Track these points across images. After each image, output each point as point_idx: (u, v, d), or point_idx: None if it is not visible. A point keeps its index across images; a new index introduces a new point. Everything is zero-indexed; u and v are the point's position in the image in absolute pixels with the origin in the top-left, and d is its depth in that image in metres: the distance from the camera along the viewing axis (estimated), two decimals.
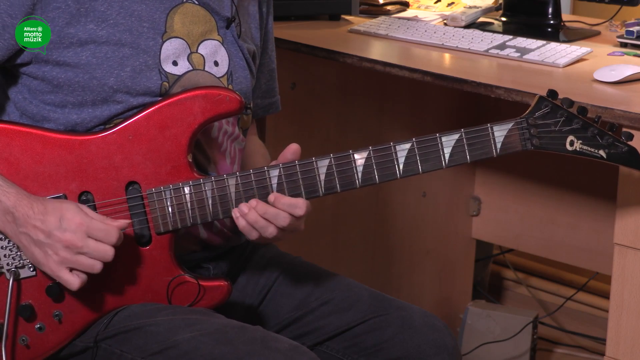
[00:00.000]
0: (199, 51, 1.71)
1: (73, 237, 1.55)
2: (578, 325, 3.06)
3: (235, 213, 1.62)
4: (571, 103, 1.70)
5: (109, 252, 1.56)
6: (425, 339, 1.70)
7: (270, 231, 1.61)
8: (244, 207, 1.62)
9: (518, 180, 2.94)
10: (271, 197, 1.62)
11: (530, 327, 2.84)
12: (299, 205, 1.61)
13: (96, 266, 1.56)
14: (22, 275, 1.63)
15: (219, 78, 1.72)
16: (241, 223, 1.62)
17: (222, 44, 1.74)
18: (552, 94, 1.70)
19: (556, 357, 3.03)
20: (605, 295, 2.94)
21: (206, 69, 1.71)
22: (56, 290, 1.62)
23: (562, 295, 3.10)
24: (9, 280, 1.61)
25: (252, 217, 1.62)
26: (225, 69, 1.73)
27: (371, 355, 1.72)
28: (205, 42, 1.72)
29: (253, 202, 1.62)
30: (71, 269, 1.57)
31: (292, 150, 1.65)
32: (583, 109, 1.70)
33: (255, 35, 1.85)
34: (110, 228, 1.56)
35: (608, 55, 2.29)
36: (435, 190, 2.97)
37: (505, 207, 2.99)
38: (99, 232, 1.56)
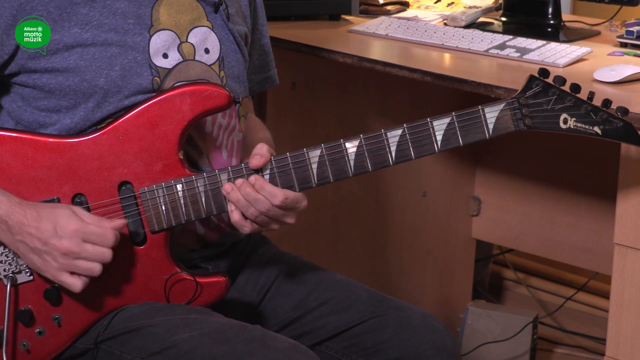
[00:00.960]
0: (188, 40, 1.70)
1: (70, 244, 1.55)
2: (578, 325, 3.06)
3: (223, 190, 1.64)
4: (563, 81, 1.67)
5: (106, 253, 1.57)
6: (424, 339, 1.70)
7: (252, 212, 1.62)
8: (227, 186, 1.63)
9: (518, 180, 2.94)
10: (252, 179, 1.62)
11: (530, 327, 2.84)
12: (276, 194, 1.61)
13: (95, 268, 1.57)
14: (19, 281, 1.63)
15: (210, 66, 1.72)
16: (230, 209, 1.63)
17: (212, 29, 1.73)
18: (544, 72, 1.68)
19: (556, 357, 3.03)
20: (605, 295, 2.93)
21: (196, 58, 1.70)
22: (54, 293, 1.63)
23: (562, 295, 3.10)
24: (6, 286, 1.61)
25: (234, 196, 1.62)
26: (217, 56, 1.73)
27: (370, 355, 1.72)
28: (195, 29, 1.71)
29: (239, 181, 1.63)
30: (72, 272, 1.57)
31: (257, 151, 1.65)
32: (576, 86, 1.67)
33: (246, 12, 1.84)
34: (106, 231, 1.57)
35: (608, 55, 2.29)
36: (435, 190, 2.97)
37: (505, 207, 2.99)
38: (95, 237, 1.56)
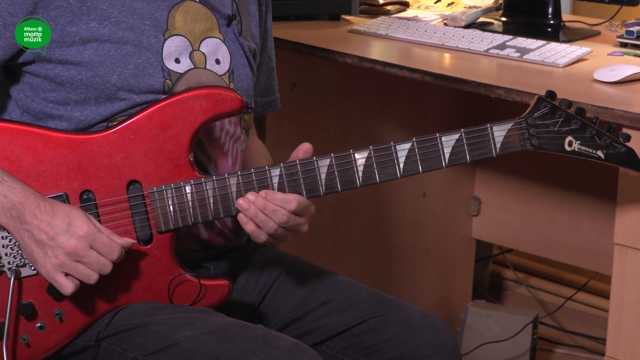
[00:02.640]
0: (200, 49, 1.71)
1: (77, 245, 1.55)
2: (578, 325, 3.06)
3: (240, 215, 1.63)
4: (569, 104, 1.71)
5: (107, 266, 1.57)
6: (424, 338, 1.70)
7: (271, 226, 1.62)
8: (244, 203, 1.62)
9: (518, 180, 2.94)
10: (262, 193, 1.62)
11: (530, 327, 2.84)
12: (290, 200, 1.61)
13: (92, 277, 1.57)
14: (23, 274, 1.63)
15: (220, 76, 1.73)
16: (243, 221, 1.63)
17: (224, 41, 1.74)
18: (551, 94, 1.71)
19: (556, 357, 3.03)
20: (605, 295, 2.94)
21: (207, 67, 1.71)
22: (57, 289, 1.62)
23: (562, 295, 3.10)
24: (9, 279, 1.61)
25: (252, 212, 1.62)
26: (227, 67, 1.74)
27: (371, 355, 1.72)
28: (207, 39, 1.72)
29: (251, 196, 1.62)
30: (66, 274, 1.57)
31: (304, 149, 1.66)
32: (581, 110, 1.71)
33: (255, 33, 1.85)
34: (114, 244, 1.57)
35: (608, 55, 2.29)
36: (435, 190, 2.97)
37: (505, 207, 2.99)
38: (103, 246, 1.56)
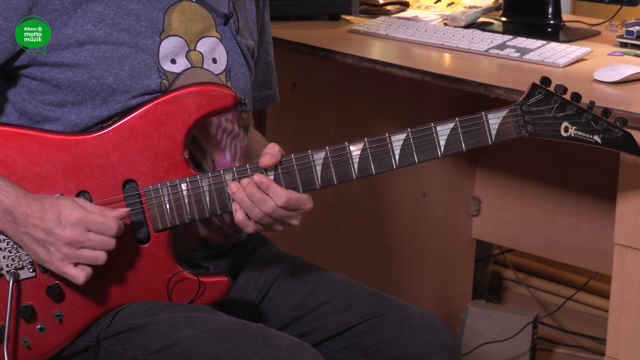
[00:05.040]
0: (197, 49, 1.71)
1: (73, 233, 1.55)
2: (578, 325, 3.06)
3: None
4: (565, 90, 1.69)
5: (110, 242, 1.57)
6: (424, 339, 1.70)
7: (256, 213, 1.62)
8: (233, 185, 1.63)
9: (518, 180, 2.94)
10: (257, 179, 1.62)
11: (530, 327, 2.84)
12: (280, 195, 1.61)
13: (100, 257, 1.57)
14: (21, 277, 1.63)
15: (217, 75, 1.72)
16: (234, 207, 1.63)
17: (221, 40, 1.74)
18: (546, 80, 1.70)
19: (556, 357, 3.03)
20: (605, 295, 2.94)
21: (204, 66, 1.71)
22: (56, 290, 1.63)
23: (562, 295, 3.10)
24: (8, 281, 1.61)
25: (239, 196, 1.62)
26: (224, 66, 1.74)
27: (370, 355, 1.72)
28: (204, 39, 1.72)
29: (244, 181, 1.63)
30: (76, 264, 1.57)
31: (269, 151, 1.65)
32: (576, 95, 1.69)
33: (253, 29, 1.85)
34: (109, 220, 1.57)
35: (608, 55, 2.29)
36: (435, 190, 2.97)
37: (505, 207, 2.99)
38: (98, 226, 1.56)
